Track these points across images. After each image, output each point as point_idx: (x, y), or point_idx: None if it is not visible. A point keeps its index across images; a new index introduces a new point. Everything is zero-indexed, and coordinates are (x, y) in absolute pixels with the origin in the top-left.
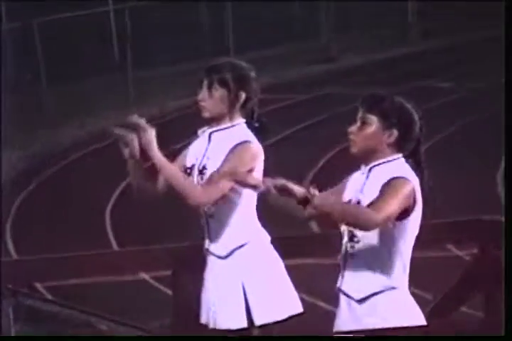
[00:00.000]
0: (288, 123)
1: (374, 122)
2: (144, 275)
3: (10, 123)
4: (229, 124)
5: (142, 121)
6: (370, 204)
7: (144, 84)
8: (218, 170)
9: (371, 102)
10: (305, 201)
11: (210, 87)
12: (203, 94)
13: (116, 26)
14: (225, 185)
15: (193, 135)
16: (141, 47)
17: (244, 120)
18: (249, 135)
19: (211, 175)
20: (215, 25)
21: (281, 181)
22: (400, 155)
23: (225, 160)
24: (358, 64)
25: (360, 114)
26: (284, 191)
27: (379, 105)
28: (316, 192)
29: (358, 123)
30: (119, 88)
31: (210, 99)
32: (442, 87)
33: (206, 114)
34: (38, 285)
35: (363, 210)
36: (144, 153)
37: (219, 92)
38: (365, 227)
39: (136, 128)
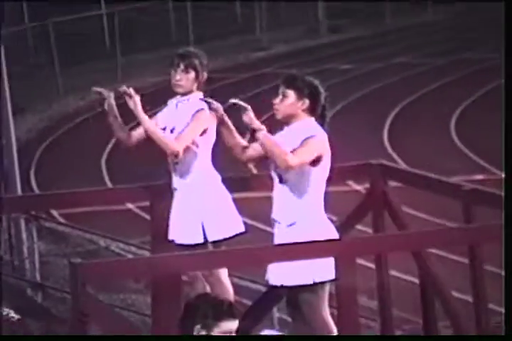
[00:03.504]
0: (233, 96)
1: (291, 95)
2: (130, 206)
3: (35, 95)
4: (190, 96)
5: (130, 89)
6: (292, 151)
7: (129, 67)
8: (183, 129)
9: (288, 80)
10: (254, 131)
11: (185, 70)
12: (180, 75)
13: (107, 23)
14: (189, 138)
15: (164, 104)
16: (126, 39)
17: (201, 93)
18: (203, 104)
19: (179, 133)
20: (180, 22)
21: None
22: (313, 118)
23: (189, 122)
24: (283, 51)
25: (281, 90)
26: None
27: (294, 82)
28: (263, 128)
29: (280, 97)
30: (110, 70)
31: (186, 79)
32: (343, 69)
33: (180, 90)
34: (55, 213)
35: (285, 151)
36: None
37: (191, 74)
38: (281, 163)
39: (125, 94)
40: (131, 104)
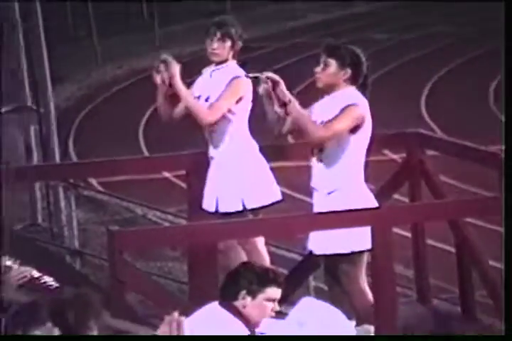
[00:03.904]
0: (270, 64)
1: (333, 64)
2: (167, 174)
3: (73, 64)
4: (225, 65)
5: (170, 58)
6: (327, 122)
7: (167, 37)
8: (218, 97)
9: (330, 49)
10: (284, 104)
11: (221, 39)
12: (217, 43)
13: None
14: (224, 107)
15: (199, 73)
16: (164, 9)
17: (235, 62)
18: (240, 71)
19: (213, 102)
20: None
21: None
22: (354, 87)
23: (224, 90)
24: (319, 20)
25: (322, 58)
26: (275, 86)
27: (336, 51)
28: (294, 100)
29: (322, 65)
30: (148, 40)
31: (222, 47)
32: (378, 38)
33: (216, 59)
34: (93, 181)
35: (313, 125)
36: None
37: (228, 43)
38: (310, 136)
39: (165, 62)
40: (169, 72)
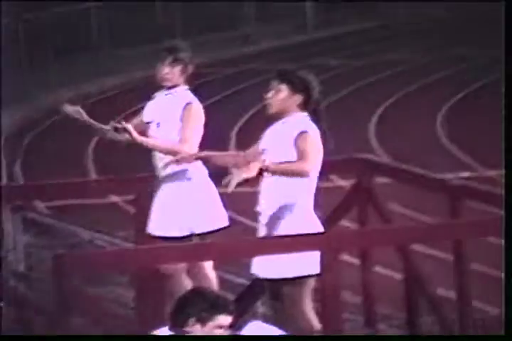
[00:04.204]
0: (222, 90)
1: (285, 89)
2: (116, 199)
3: (23, 87)
4: (176, 90)
5: (122, 123)
6: (298, 158)
7: (114, 61)
8: (183, 128)
9: (282, 75)
10: (260, 172)
11: (172, 63)
12: (167, 68)
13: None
14: (193, 136)
15: (149, 98)
16: (113, 33)
17: (187, 86)
18: (192, 97)
19: (181, 134)
20: (168, 18)
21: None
22: (306, 113)
23: (184, 119)
24: (271, 47)
25: (274, 84)
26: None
27: (287, 77)
28: (267, 162)
29: (273, 91)
30: (97, 63)
31: (173, 72)
32: (330, 64)
33: (167, 83)
34: (41, 205)
35: (296, 165)
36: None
37: (178, 67)
38: (302, 175)
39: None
40: (126, 136)
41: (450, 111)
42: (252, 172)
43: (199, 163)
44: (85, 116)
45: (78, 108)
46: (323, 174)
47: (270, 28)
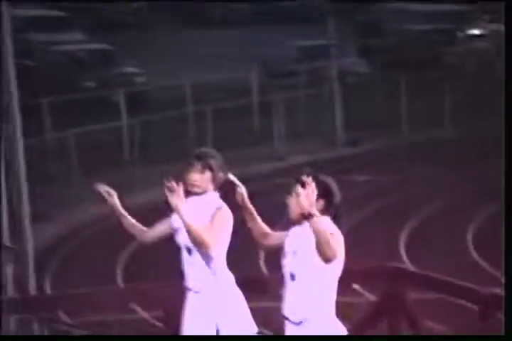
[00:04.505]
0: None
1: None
2: (145, 315)
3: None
4: (206, 196)
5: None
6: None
7: (147, 177)
8: (211, 228)
9: (303, 180)
10: (309, 215)
11: (201, 170)
12: (196, 175)
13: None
14: (219, 234)
15: None
16: (145, 149)
17: (217, 193)
18: (221, 202)
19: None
20: (198, 133)
21: None
22: (328, 217)
23: (212, 222)
24: (299, 163)
25: (295, 189)
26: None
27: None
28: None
29: (295, 196)
30: (128, 179)
31: (202, 179)
32: (358, 180)
33: (196, 190)
34: (67, 318)
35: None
36: None
37: (207, 174)
38: (330, 255)
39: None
40: (173, 202)
41: (480, 228)
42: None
43: (226, 270)
44: (115, 199)
45: (112, 191)
46: (348, 282)
47: (299, 145)
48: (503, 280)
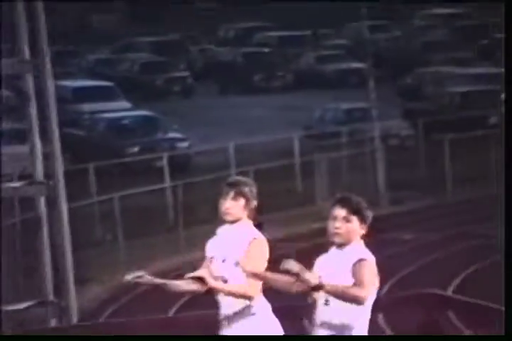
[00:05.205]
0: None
1: (355, 220)
2: None
3: (98, 266)
4: (240, 224)
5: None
6: (354, 283)
7: (191, 239)
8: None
9: (352, 205)
10: (318, 287)
11: (234, 198)
12: (230, 203)
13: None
14: (260, 277)
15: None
16: (188, 211)
17: (251, 222)
18: (256, 231)
19: (248, 275)
20: None
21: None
22: (362, 241)
23: (249, 254)
24: None
25: (341, 213)
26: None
27: (358, 207)
28: (322, 281)
29: (343, 221)
30: (172, 242)
31: (235, 206)
32: (404, 238)
33: (230, 218)
34: None
35: (353, 290)
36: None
37: (241, 202)
38: (358, 302)
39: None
40: (208, 281)
41: None
42: (310, 277)
43: (263, 299)
44: (149, 277)
45: (139, 273)
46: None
47: None
48: (503, 280)
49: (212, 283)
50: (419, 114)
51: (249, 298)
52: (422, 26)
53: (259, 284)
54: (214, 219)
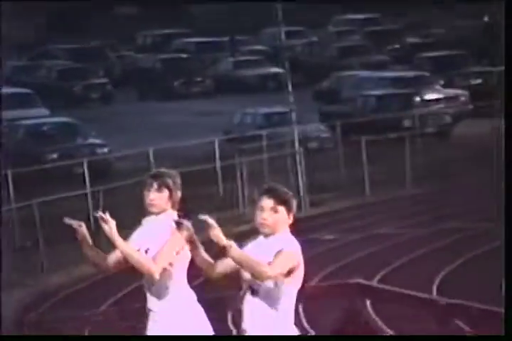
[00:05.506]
0: None
1: (282, 210)
2: None
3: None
4: (163, 215)
5: (106, 214)
6: (269, 263)
7: None
8: (160, 249)
9: (279, 195)
10: (224, 248)
11: (158, 189)
12: (154, 194)
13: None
14: (165, 260)
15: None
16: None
17: (175, 212)
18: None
19: (155, 254)
20: None
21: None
22: (288, 230)
23: (165, 242)
24: None
25: (268, 204)
26: (210, 231)
27: (284, 198)
28: (233, 244)
29: (269, 212)
30: None
31: (159, 198)
32: (325, 238)
33: (154, 209)
34: None
35: (262, 263)
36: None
37: (165, 193)
38: (260, 275)
39: (101, 219)
40: (106, 228)
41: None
42: (223, 237)
43: (188, 288)
44: (84, 231)
45: (80, 222)
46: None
47: None
48: (503, 280)
49: (115, 235)
50: (336, 117)
51: (148, 272)
52: (337, 32)
53: (164, 265)
54: (135, 224)
